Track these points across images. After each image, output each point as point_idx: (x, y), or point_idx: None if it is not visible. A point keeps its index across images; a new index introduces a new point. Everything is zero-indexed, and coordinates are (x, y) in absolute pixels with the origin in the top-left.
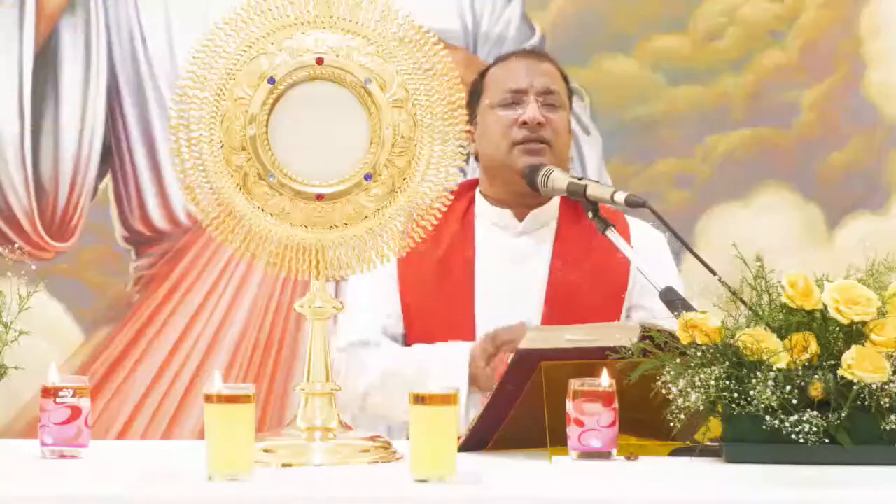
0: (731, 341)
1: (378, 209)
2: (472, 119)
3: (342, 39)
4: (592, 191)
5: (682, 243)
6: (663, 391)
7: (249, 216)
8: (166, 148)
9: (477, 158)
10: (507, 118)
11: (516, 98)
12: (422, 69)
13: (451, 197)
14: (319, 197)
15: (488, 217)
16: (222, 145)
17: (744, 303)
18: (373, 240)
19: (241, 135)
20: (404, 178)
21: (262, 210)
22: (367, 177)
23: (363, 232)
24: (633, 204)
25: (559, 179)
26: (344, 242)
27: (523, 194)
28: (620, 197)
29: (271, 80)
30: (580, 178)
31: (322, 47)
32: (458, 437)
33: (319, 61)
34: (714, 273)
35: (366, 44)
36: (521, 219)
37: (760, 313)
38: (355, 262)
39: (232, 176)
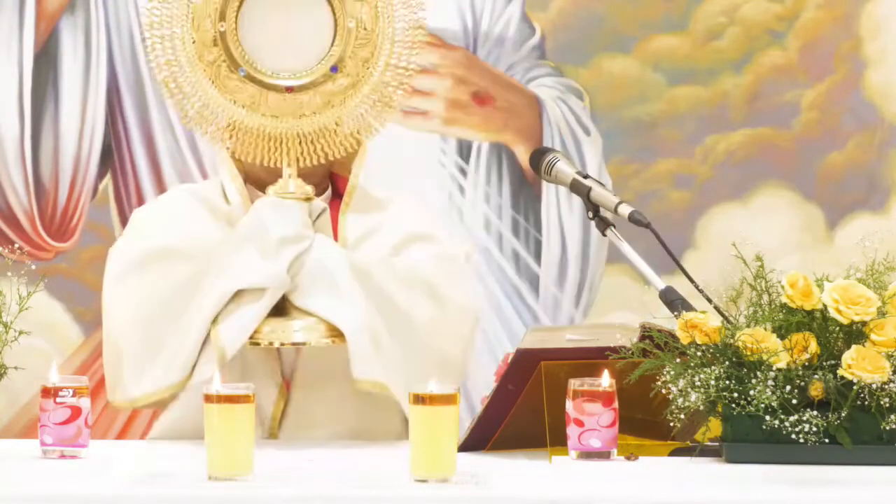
0: (731, 341)
1: (344, 98)
2: None
3: None
4: (596, 196)
5: (676, 265)
6: (663, 391)
7: (223, 108)
8: (166, 148)
9: None
10: None
11: None
12: None
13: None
14: (289, 89)
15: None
16: (194, 42)
17: (728, 320)
18: (341, 127)
19: (211, 31)
20: (368, 68)
21: (235, 102)
22: (334, 69)
23: (331, 120)
24: (637, 222)
25: (564, 172)
26: (313, 130)
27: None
28: (625, 211)
29: None
30: (585, 177)
31: None
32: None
33: None
34: (702, 291)
35: None
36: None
37: (760, 314)
38: (326, 147)
39: (205, 71)
